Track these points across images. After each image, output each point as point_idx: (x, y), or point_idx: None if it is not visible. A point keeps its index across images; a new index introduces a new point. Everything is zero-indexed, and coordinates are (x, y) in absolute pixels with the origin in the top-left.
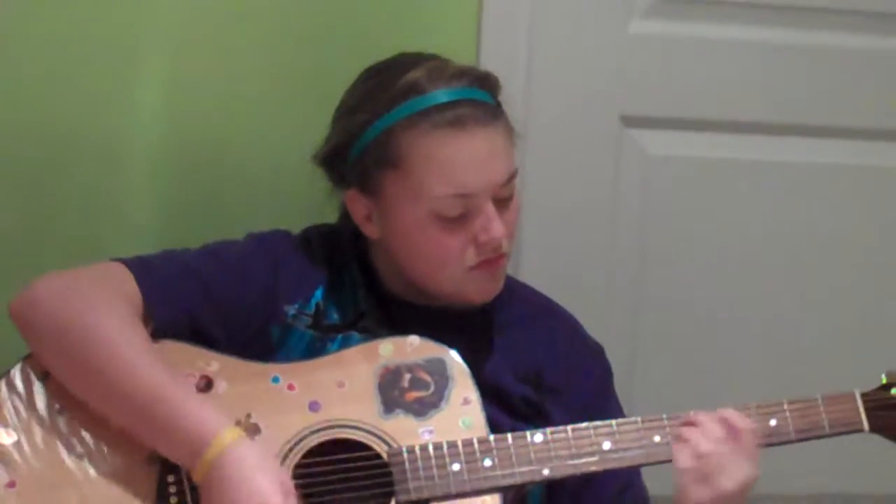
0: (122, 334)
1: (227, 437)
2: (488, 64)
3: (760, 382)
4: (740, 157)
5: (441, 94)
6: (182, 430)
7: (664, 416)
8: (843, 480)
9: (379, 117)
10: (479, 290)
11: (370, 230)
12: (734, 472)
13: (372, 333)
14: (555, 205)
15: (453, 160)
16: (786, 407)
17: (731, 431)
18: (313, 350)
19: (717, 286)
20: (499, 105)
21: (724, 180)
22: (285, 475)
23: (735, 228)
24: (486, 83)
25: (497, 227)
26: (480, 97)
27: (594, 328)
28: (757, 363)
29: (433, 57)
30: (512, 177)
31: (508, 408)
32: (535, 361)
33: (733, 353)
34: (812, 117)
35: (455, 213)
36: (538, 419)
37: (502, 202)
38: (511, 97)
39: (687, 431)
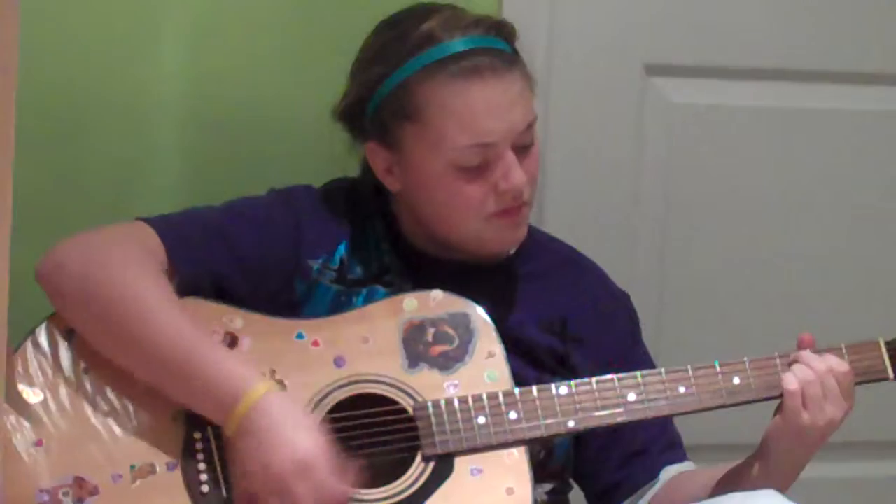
0: (149, 292)
1: (261, 389)
2: (511, 13)
3: (786, 331)
4: (764, 105)
5: (456, 44)
6: (214, 386)
7: (688, 366)
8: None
9: (395, 70)
10: (500, 240)
11: (391, 183)
12: (838, 403)
13: (396, 287)
14: (579, 155)
15: (471, 109)
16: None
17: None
18: (339, 304)
19: (742, 234)
20: (516, 53)
21: (748, 128)
22: (319, 426)
23: (760, 176)
24: (502, 31)
25: (517, 175)
26: (496, 45)
27: (619, 278)
28: (782, 311)
29: (448, 7)
30: (531, 124)
31: (534, 360)
32: (560, 312)
33: (759, 302)
34: (837, 64)
35: (475, 162)
36: (564, 370)
37: (522, 150)
38: (533, 47)
39: (794, 366)
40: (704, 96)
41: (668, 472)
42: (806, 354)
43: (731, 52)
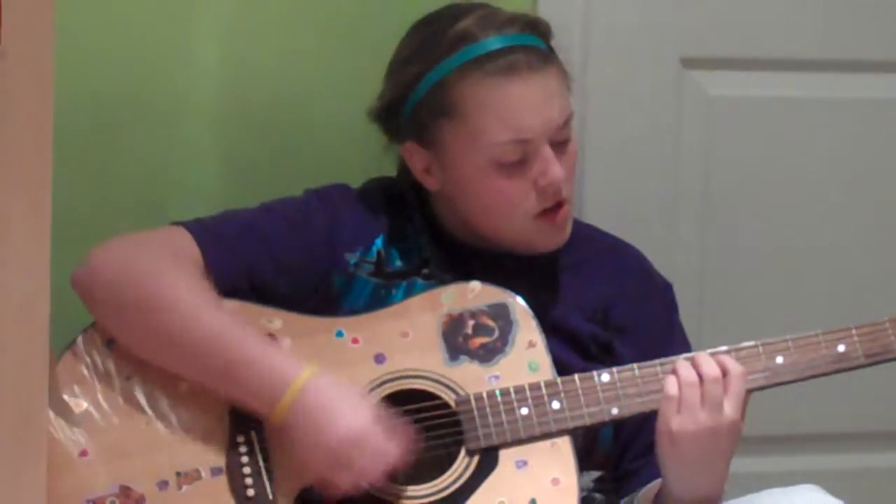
0: (187, 293)
1: (305, 373)
2: (546, 8)
3: (826, 320)
4: (802, 96)
5: (492, 42)
6: (259, 377)
7: (731, 348)
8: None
9: (431, 68)
10: (546, 240)
11: (430, 182)
12: (715, 411)
13: (436, 279)
14: (617, 149)
15: (509, 105)
16: (853, 332)
17: (703, 376)
18: (378, 297)
19: (781, 225)
20: (551, 50)
21: (785, 119)
22: (370, 402)
23: (799, 167)
24: (537, 29)
25: (555, 170)
26: (532, 43)
27: (659, 270)
28: (823, 299)
29: (483, 5)
30: (568, 120)
31: (580, 349)
32: (602, 302)
33: (799, 293)
34: (876, 53)
35: (513, 158)
36: (608, 358)
37: (559, 146)
38: (569, 41)
39: (681, 366)
40: (741, 88)
41: None
42: (701, 356)
43: (767, 44)
